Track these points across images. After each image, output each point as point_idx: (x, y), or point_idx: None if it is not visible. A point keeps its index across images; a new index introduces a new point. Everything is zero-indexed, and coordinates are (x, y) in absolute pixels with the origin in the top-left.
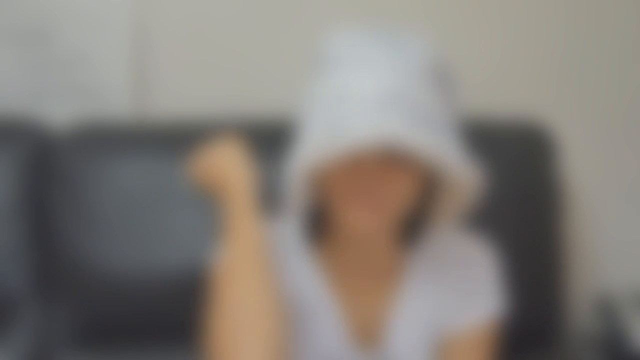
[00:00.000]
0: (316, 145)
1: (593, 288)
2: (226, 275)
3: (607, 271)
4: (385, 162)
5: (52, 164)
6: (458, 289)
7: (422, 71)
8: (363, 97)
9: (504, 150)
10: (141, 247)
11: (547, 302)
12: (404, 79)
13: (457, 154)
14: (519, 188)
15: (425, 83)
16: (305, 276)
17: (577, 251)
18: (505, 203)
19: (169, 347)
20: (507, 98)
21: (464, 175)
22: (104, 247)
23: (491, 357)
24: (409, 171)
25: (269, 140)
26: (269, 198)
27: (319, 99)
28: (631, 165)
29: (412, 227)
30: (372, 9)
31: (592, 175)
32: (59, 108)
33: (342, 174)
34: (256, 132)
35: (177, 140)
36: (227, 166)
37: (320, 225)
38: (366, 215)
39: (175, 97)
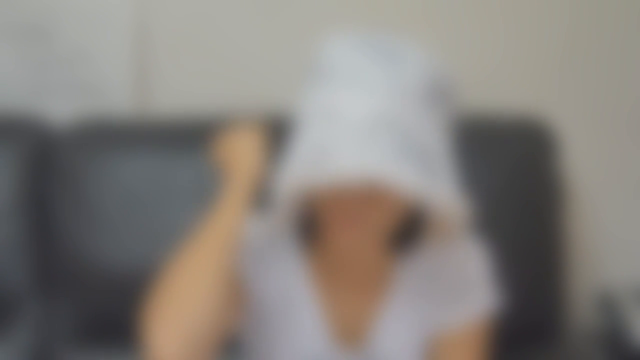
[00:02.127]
0: (302, 167)
1: (594, 284)
2: (189, 244)
3: (608, 267)
4: (371, 190)
5: (53, 161)
6: (449, 289)
7: (418, 90)
8: (352, 119)
9: (507, 147)
10: (142, 243)
11: (548, 297)
12: (397, 100)
13: (445, 188)
14: (520, 184)
15: (420, 104)
16: (290, 275)
17: (579, 247)
18: (506, 199)
19: None
20: (509, 95)
21: (450, 209)
22: (105, 243)
23: (484, 354)
24: (394, 199)
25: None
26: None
27: (310, 113)
28: (632, 162)
29: (403, 237)
30: (371, 8)
31: (594, 172)
32: (61, 105)
33: (328, 195)
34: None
35: (177, 136)
36: (241, 150)
37: (310, 229)
38: (350, 235)
39: (175, 94)
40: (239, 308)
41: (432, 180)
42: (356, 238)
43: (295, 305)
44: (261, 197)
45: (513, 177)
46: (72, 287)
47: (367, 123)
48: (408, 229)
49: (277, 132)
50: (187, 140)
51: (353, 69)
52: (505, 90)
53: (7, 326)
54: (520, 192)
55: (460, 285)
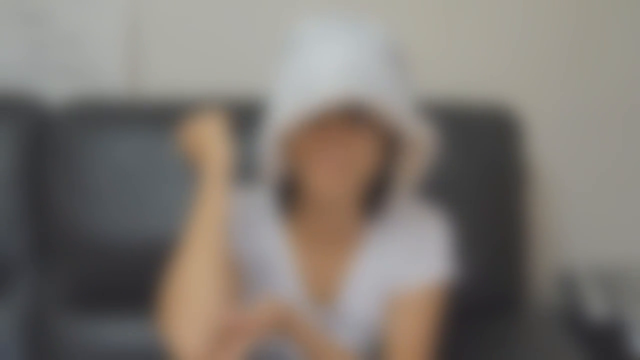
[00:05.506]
0: (286, 111)
1: (556, 264)
2: (186, 236)
3: (569, 248)
4: (347, 126)
5: (48, 138)
6: (408, 252)
7: (376, 50)
8: (326, 67)
9: (473, 132)
10: (132, 216)
11: (511, 273)
12: (362, 54)
13: (412, 115)
14: (486, 167)
15: (381, 60)
16: (270, 239)
17: (543, 229)
18: (473, 180)
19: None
20: (476, 82)
21: (419, 134)
22: (97, 215)
23: (438, 317)
24: (369, 135)
25: (247, 116)
26: (246, 170)
27: (287, 74)
28: (595, 147)
29: (373, 195)
30: (336, 3)
31: (558, 157)
32: (56, 85)
33: (309, 141)
34: (237, 108)
35: (166, 116)
36: (208, 139)
37: (290, 194)
38: (331, 177)
39: (165, 76)
40: (239, 285)
41: (401, 107)
42: (337, 181)
43: (274, 266)
44: (235, 175)
45: (479, 160)
46: (65, 255)
47: (340, 68)
48: (378, 188)
49: (254, 111)
50: (176, 119)
51: (322, 35)
52: (471, 76)
53: (4, 292)
54: (486, 174)
55: (419, 249)
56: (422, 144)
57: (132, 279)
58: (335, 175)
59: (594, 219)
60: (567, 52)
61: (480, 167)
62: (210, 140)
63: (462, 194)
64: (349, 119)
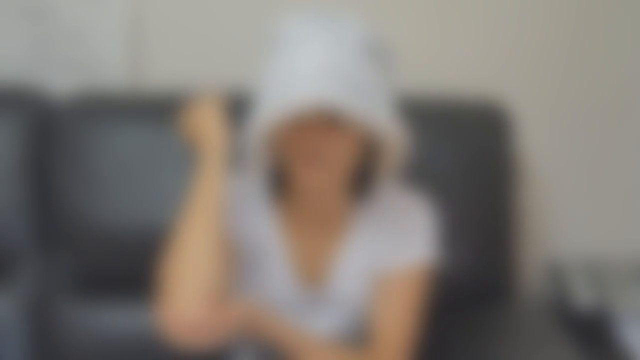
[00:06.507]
0: (267, 111)
1: (545, 255)
2: (184, 217)
3: (557, 239)
4: (326, 125)
5: (53, 129)
6: (395, 236)
7: (356, 47)
8: (305, 69)
9: (464, 126)
10: (134, 204)
11: (500, 263)
12: (340, 54)
13: (387, 117)
14: (476, 159)
15: (359, 58)
16: (263, 225)
17: (532, 221)
18: (464, 172)
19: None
20: (466, 77)
21: (392, 135)
22: (100, 204)
23: (422, 299)
24: (347, 133)
25: (243, 106)
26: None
27: (271, 73)
28: (583, 140)
29: (359, 182)
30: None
31: (547, 150)
32: (60, 78)
33: (291, 137)
34: (234, 99)
35: (167, 107)
36: (207, 123)
37: (280, 181)
38: (312, 172)
39: (165, 69)
40: (234, 263)
41: (376, 110)
42: (318, 177)
43: (266, 251)
44: (232, 160)
45: (470, 153)
46: (69, 243)
47: (318, 70)
48: (362, 177)
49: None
50: (176, 110)
51: (305, 33)
52: (462, 72)
53: (9, 278)
54: (477, 166)
55: (405, 233)
56: (394, 144)
57: (134, 266)
58: (314, 170)
59: (582, 211)
60: (557, 46)
61: (470, 159)
62: (208, 124)
63: (453, 185)
64: (326, 119)
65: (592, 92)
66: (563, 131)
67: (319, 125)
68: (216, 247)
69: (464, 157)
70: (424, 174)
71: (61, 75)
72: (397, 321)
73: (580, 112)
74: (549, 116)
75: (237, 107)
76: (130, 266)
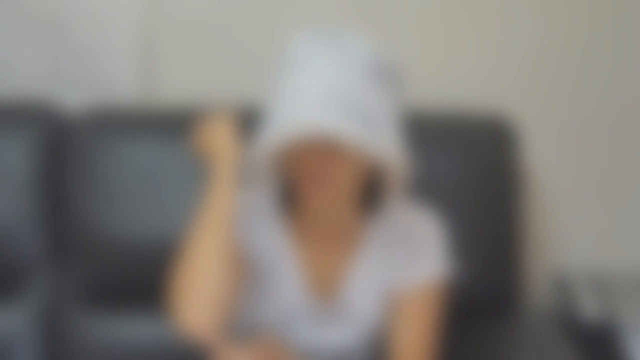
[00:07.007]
0: (271, 133)
1: (551, 267)
2: (195, 230)
3: (563, 252)
4: (329, 149)
5: (67, 144)
6: (406, 251)
7: (364, 69)
8: (310, 94)
9: (470, 139)
10: (145, 217)
11: (507, 276)
12: (346, 77)
13: (388, 143)
14: (483, 172)
15: (367, 80)
16: (273, 238)
17: (538, 234)
18: (470, 186)
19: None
20: (472, 90)
21: (393, 161)
22: (112, 217)
23: (437, 314)
24: (350, 157)
25: (253, 121)
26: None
27: (279, 94)
28: (588, 153)
29: (367, 199)
30: (338, 10)
31: (553, 164)
32: (74, 94)
33: (296, 158)
34: (244, 115)
35: (179, 122)
36: (219, 138)
37: (289, 196)
38: (316, 192)
39: (176, 85)
40: (243, 275)
41: (377, 137)
42: (323, 196)
43: (277, 264)
44: (243, 175)
45: (476, 166)
46: (82, 256)
47: (322, 95)
48: (371, 193)
49: (255, 118)
50: (186, 125)
51: (313, 53)
52: (467, 85)
53: (23, 290)
54: (483, 180)
55: (416, 248)
56: (396, 169)
57: (146, 279)
58: (317, 189)
59: (587, 224)
60: (563, 61)
61: (477, 173)
62: (220, 139)
63: (460, 198)
64: (329, 144)
65: (598, 106)
66: (569, 145)
67: (322, 148)
68: (226, 260)
69: (471, 171)
70: (431, 188)
71: (75, 92)
72: (417, 340)
73: (586, 127)
74: (555, 130)
75: (247, 123)
76: (142, 278)
